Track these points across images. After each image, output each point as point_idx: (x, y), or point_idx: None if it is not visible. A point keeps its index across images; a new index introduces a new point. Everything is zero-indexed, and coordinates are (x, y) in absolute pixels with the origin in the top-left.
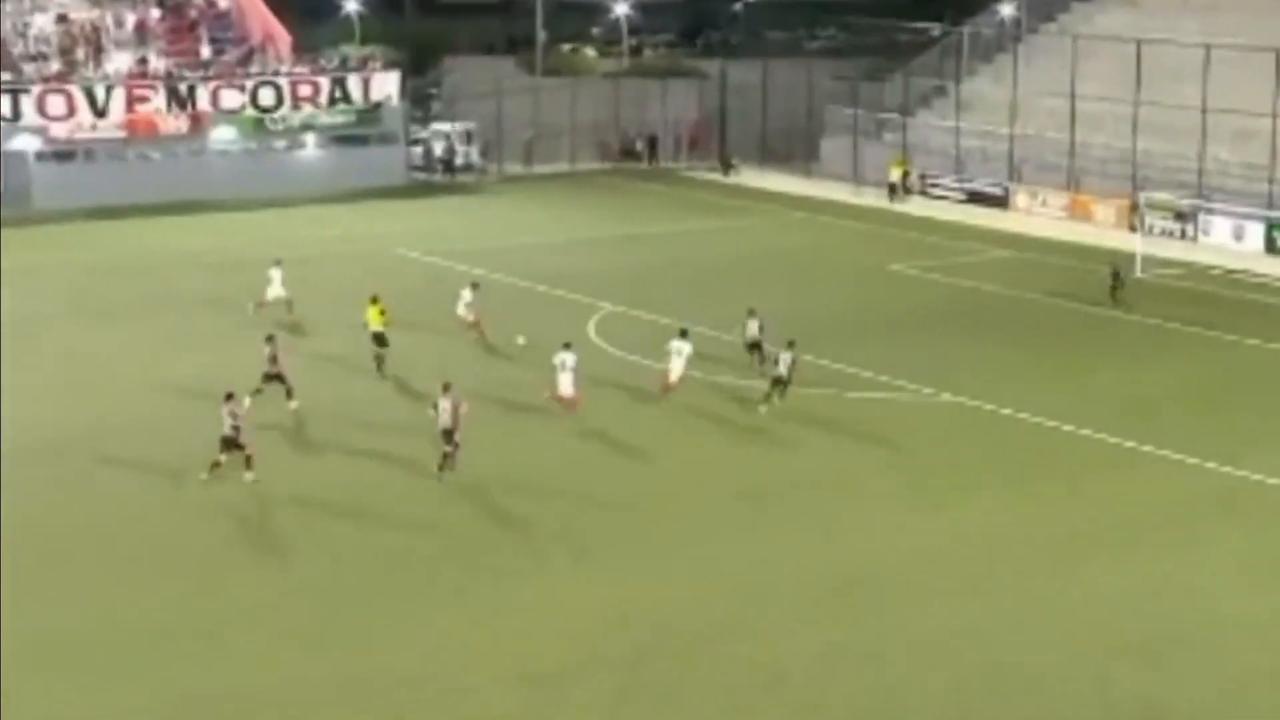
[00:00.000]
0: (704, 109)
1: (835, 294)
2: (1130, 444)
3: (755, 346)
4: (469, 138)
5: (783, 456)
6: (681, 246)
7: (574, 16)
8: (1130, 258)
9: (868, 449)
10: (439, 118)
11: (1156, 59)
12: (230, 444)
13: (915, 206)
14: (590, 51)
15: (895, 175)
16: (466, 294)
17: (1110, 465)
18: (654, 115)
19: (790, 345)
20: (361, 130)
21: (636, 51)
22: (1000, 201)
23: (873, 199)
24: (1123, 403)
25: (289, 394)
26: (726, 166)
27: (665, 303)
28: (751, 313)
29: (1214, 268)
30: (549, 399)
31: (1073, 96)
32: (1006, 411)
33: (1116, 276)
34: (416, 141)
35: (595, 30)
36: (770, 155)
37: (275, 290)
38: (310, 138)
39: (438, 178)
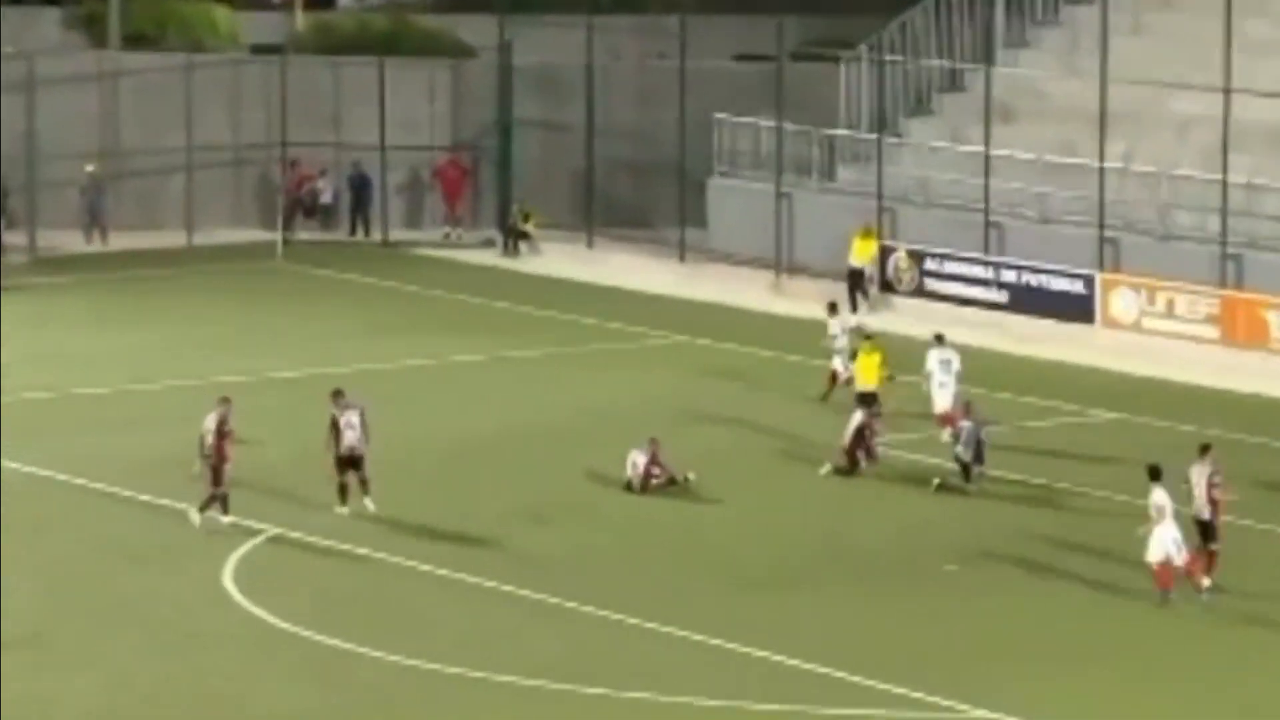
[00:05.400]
0: (465, 123)
1: (753, 509)
2: None
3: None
4: None
5: None
6: (423, 404)
7: None
8: None
9: None
10: None
11: None
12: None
13: (908, 313)
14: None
15: (862, 258)
16: None
17: None
18: (363, 134)
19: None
20: None
21: (324, 1)
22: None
23: (814, 306)
24: None
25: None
26: (516, 239)
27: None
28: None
29: None
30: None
31: None
32: None
33: None
34: None
35: None
36: (607, 217)
37: None
38: None
39: None
